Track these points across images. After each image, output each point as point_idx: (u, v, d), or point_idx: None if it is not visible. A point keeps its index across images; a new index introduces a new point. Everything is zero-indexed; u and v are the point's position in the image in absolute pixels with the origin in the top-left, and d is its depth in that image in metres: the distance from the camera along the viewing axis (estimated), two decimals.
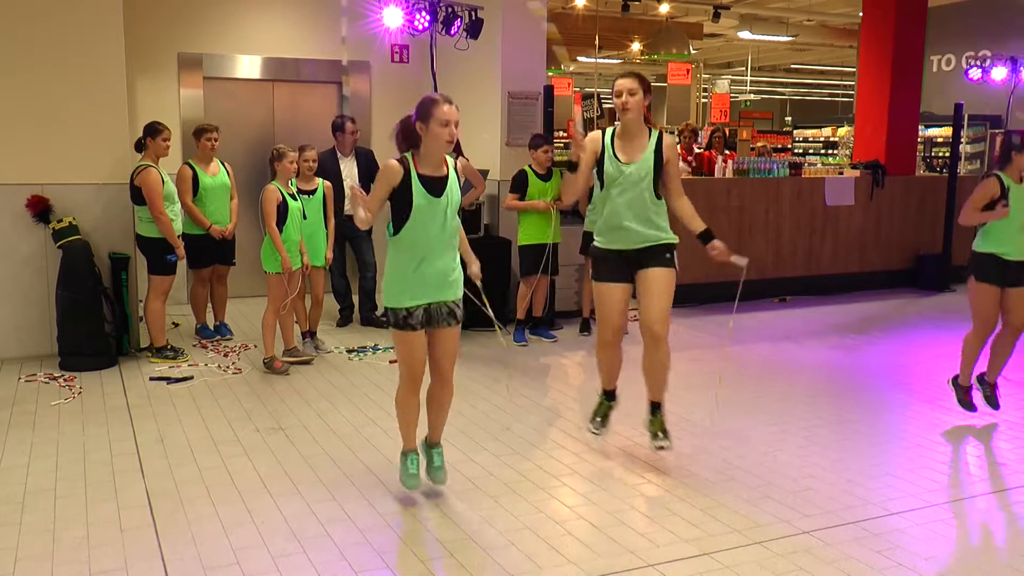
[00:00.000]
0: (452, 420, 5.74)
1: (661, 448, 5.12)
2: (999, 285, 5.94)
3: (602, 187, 5.03)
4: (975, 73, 11.81)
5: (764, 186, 10.24)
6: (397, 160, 4.31)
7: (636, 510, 4.48)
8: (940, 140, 15.88)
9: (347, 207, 8.16)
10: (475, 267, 4.67)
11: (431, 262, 4.33)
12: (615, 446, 5.35)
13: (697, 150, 11.63)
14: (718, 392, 6.42)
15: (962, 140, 13.67)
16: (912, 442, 5.65)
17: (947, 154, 12.63)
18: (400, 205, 4.27)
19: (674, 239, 5.03)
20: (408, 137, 4.32)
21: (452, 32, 7.74)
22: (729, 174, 10.35)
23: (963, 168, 14.80)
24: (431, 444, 4.70)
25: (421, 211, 4.25)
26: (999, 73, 11.75)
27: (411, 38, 8.64)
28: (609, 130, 5.06)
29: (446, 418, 4.71)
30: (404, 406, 4.50)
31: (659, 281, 4.99)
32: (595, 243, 5.16)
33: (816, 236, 10.57)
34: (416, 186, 4.25)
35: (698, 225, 5.00)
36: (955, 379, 6.26)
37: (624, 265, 5.04)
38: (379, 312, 8.50)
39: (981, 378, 6.26)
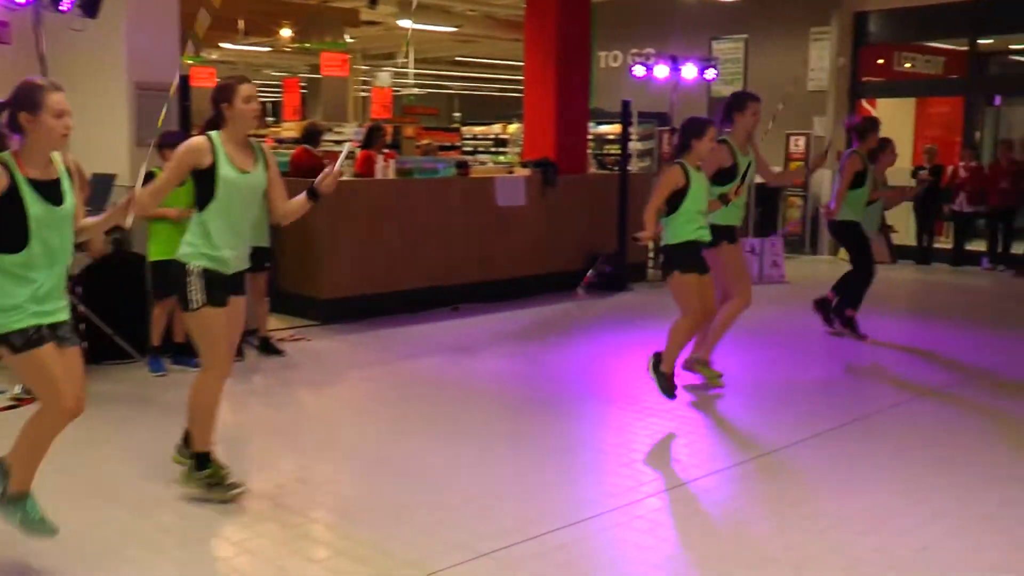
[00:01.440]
0: (78, 473, 5.41)
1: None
2: (700, 272, 6.67)
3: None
4: (639, 70, 12.85)
5: (431, 187, 10.55)
6: None
7: (299, 554, 4.46)
8: (611, 137, 17.14)
9: None
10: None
11: (49, 283, 4.07)
12: (274, 483, 5.29)
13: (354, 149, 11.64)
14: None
15: (632, 137, 14.81)
16: (593, 448, 6.07)
17: (619, 151, 13.67)
18: (7, 219, 3.94)
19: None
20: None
21: (63, 8, 7.31)
22: (392, 175, 10.55)
23: (634, 166, 16.05)
24: (26, 493, 4.28)
25: (39, 223, 3.97)
26: (661, 71, 12.87)
27: (11, 13, 8.05)
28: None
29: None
30: (41, 440, 4.17)
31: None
32: None
33: (488, 239, 11.04)
34: (28, 193, 3.95)
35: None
36: (657, 365, 6.80)
37: None
38: None
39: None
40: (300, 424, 6.46)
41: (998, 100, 15.67)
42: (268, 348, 8.39)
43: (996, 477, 5.56)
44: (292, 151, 11.20)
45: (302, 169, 9.84)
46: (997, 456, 5.95)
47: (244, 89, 4.85)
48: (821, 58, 16.07)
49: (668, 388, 6.74)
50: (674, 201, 6.61)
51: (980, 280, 13.94)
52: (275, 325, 8.99)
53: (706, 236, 6.72)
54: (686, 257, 6.64)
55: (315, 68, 22.44)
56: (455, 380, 7.69)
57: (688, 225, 6.62)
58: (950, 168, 15.14)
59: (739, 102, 7.38)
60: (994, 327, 10.26)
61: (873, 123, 9.15)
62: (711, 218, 6.91)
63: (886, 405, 7.08)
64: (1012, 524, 4.87)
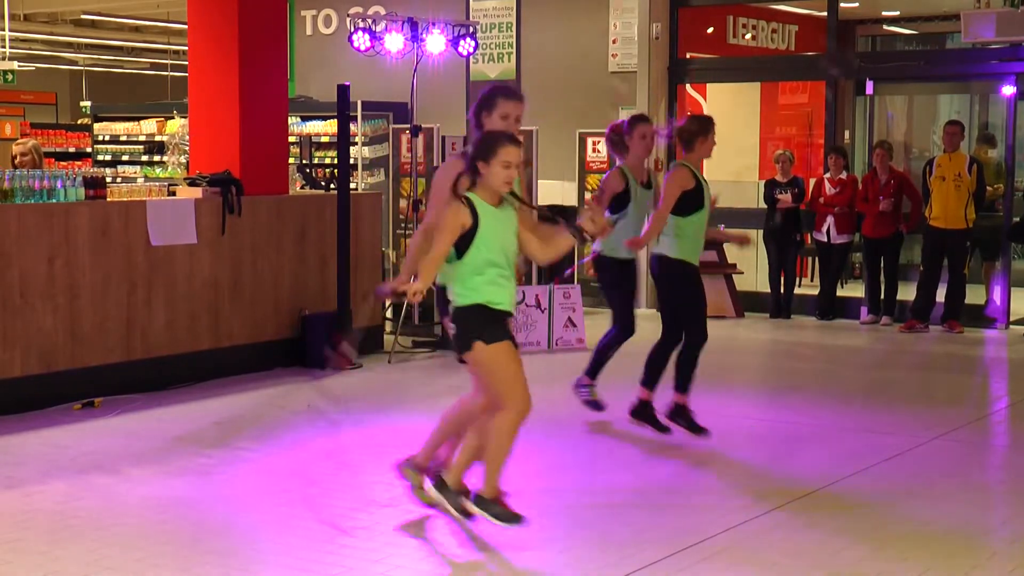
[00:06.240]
0: None
1: None
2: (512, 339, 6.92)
3: None
4: (362, 40, 12.91)
5: (43, 217, 10.26)
6: None
7: None
8: (326, 140, 17.22)
9: None
10: None
11: None
12: None
13: None
14: None
15: (356, 140, 14.91)
16: None
17: (336, 160, 13.70)
18: None
19: None
20: None
21: None
22: None
23: (361, 181, 16.15)
24: None
25: None
26: (394, 42, 12.96)
27: None
28: None
29: None
30: None
31: None
32: None
33: (139, 297, 10.83)
34: None
35: None
36: (440, 482, 7.10)
37: None
38: None
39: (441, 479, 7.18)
40: None
41: (871, 87, 16.59)
42: None
43: None
44: None
45: None
46: None
47: None
48: (627, 24, 16.59)
49: (506, 515, 6.82)
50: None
51: (858, 338, 14.80)
52: None
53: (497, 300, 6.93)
54: (482, 321, 6.83)
55: None
56: (90, 516, 7.49)
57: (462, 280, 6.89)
58: (812, 182, 15.91)
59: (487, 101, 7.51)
60: (874, 407, 10.86)
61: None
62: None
63: (725, 525, 7.38)
64: None
